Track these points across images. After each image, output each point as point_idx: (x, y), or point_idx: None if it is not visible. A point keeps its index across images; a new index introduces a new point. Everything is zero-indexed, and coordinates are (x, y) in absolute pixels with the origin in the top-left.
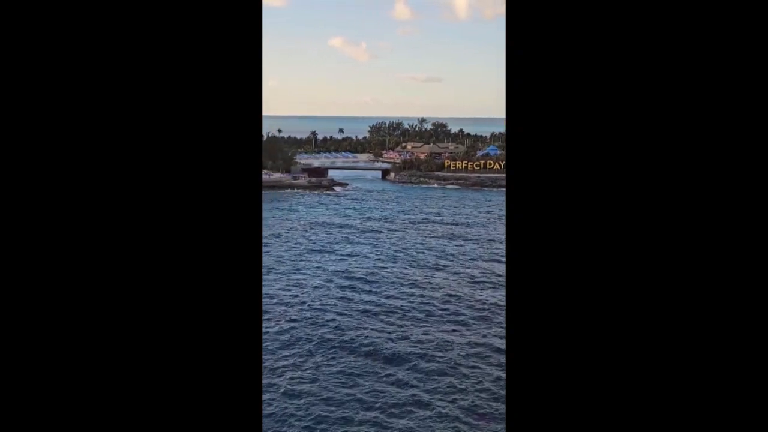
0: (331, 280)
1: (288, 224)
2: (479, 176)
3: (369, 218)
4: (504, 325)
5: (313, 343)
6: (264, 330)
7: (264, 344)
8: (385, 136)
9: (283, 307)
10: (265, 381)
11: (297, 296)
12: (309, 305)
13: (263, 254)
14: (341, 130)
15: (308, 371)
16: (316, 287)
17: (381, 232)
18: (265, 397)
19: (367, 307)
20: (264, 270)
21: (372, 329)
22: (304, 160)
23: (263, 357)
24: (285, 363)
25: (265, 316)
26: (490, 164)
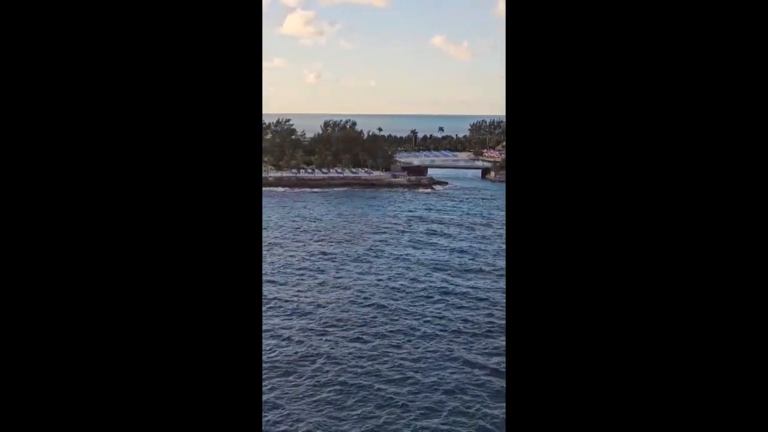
0: (429, 273)
1: (388, 219)
2: None
3: (468, 215)
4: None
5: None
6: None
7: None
8: (486, 134)
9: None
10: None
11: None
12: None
13: (366, 250)
14: (441, 129)
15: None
16: (413, 281)
17: (479, 228)
18: None
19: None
20: (365, 265)
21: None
22: (404, 158)
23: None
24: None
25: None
26: None
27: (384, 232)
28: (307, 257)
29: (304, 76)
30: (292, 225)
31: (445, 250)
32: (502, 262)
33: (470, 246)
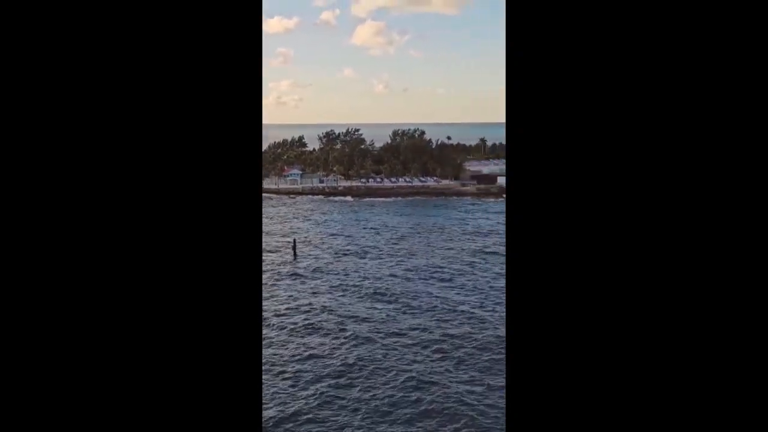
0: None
1: (456, 227)
2: None
3: None
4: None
5: None
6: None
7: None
8: None
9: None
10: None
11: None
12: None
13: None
14: None
15: None
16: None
17: None
18: None
19: None
20: (445, 277)
21: None
22: (473, 167)
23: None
24: None
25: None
26: None
27: (454, 240)
28: (378, 262)
29: (372, 86)
30: (362, 232)
31: None
32: None
33: None
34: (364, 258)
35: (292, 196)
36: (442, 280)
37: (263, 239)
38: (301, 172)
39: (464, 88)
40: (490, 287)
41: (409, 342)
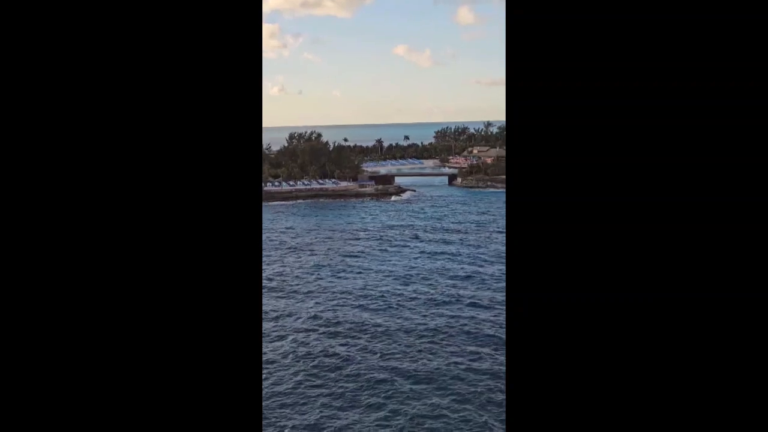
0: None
1: (358, 228)
2: None
3: (439, 219)
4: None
5: None
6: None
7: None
8: (451, 141)
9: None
10: None
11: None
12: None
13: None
14: (407, 137)
15: None
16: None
17: (453, 232)
18: None
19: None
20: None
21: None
22: (370, 168)
23: None
24: None
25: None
26: None
27: (358, 239)
28: (284, 268)
29: (267, 89)
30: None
31: (420, 255)
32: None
33: (441, 251)
34: (267, 262)
35: None
36: (347, 278)
37: None
38: None
39: (360, 90)
40: (404, 278)
41: (315, 336)
